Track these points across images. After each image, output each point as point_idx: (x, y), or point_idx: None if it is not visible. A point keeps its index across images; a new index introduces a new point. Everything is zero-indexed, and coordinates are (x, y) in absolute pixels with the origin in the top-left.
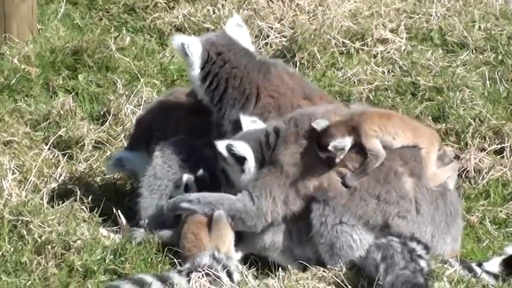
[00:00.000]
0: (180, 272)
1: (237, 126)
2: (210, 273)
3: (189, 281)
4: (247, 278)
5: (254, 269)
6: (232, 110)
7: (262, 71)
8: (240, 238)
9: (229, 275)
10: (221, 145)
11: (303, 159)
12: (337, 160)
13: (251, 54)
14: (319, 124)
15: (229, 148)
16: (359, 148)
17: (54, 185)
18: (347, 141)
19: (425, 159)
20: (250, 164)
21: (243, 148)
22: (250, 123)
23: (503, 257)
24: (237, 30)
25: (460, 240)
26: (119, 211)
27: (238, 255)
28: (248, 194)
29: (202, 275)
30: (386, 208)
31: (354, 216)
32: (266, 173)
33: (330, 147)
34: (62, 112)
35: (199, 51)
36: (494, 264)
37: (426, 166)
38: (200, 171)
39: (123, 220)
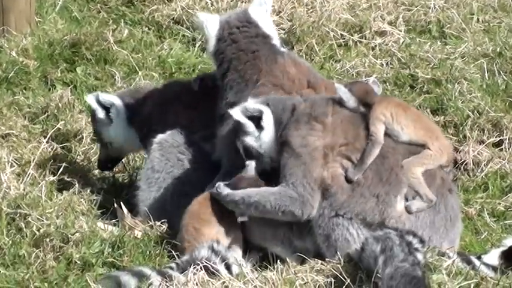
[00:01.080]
0: (178, 264)
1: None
2: (209, 266)
3: (187, 274)
4: (245, 270)
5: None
6: (230, 92)
7: (269, 60)
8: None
9: (228, 267)
10: (235, 112)
11: (312, 144)
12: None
13: (266, 39)
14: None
15: (244, 110)
16: (362, 138)
17: (52, 178)
18: (350, 98)
19: (422, 156)
20: (268, 118)
21: (256, 106)
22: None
23: (502, 248)
24: (260, 10)
25: (457, 242)
26: (121, 203)
27: (247, 263)
28: (285, 183)
29: (201, 268)
30: (385, 209)
31: (352, 212)
32: (286, 156)
33: (336, 85)
34: (60, 105)
35: (215, 29)
36: (493, 257)
37: (415, 162)
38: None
39: (125, 210)
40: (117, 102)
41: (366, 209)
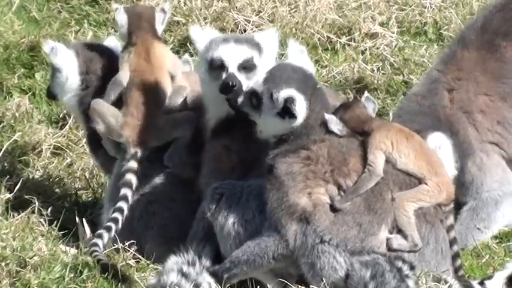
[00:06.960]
0: None
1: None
2: None
3: None
4: None
5: None
6: None
7: None
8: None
9: None
10: (283, 93)
11: (296, 171)
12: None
13: None
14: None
15: (289, 100)
16: (353, 163)
17: (8, 195)
18: (343, 129)
19: (417, 191)
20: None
21: (301, 107)
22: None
23: (507, 272)
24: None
25: (451, 276)
26: (83, 220)
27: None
28: (268, 225)
29: None
30: (366, 237)
31: (335, 238)
32: (269, 188)
33: (326, 117)
34: (17, 115)
35: None
36: (497, 282)
37: (409, 197)
38: None
39: (87, 230)
40: (71, 75)
41: (348, 237)
